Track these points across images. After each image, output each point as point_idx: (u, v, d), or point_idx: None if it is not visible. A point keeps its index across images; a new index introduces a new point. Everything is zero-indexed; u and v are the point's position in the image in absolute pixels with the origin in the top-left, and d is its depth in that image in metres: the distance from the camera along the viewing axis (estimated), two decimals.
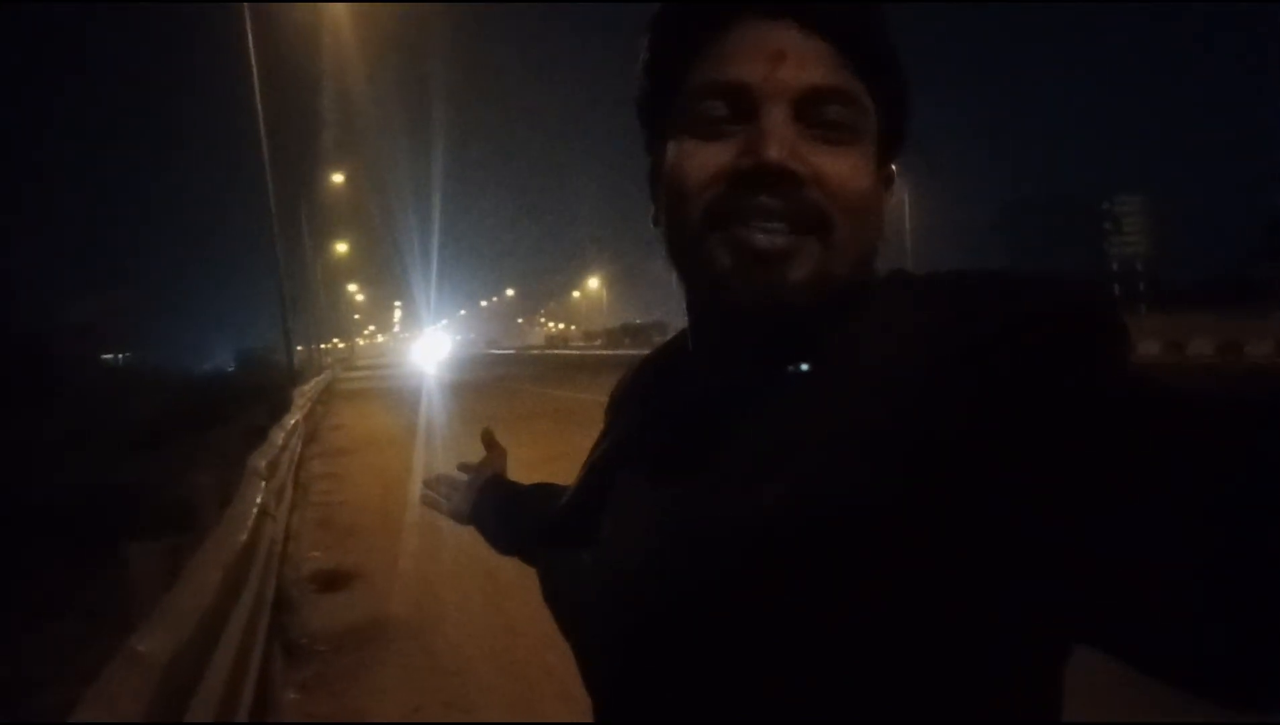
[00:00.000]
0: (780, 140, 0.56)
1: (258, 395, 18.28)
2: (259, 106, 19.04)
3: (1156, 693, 0.48)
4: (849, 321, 0.59)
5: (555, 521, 0.74)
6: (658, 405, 0.72)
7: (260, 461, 4.78)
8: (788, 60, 0.57)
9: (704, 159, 0.59)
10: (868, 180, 0.60)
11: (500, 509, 1.14)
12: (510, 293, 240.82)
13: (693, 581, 0.55)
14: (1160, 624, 0.41)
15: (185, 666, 1.98)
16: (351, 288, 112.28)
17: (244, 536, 3.00)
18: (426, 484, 1.28)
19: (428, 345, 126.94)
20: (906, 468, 0.49)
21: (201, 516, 3.99)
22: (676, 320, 0.70)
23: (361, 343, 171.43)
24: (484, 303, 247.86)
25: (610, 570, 0.64)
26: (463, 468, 1.26)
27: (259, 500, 3.68)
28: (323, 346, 49.26)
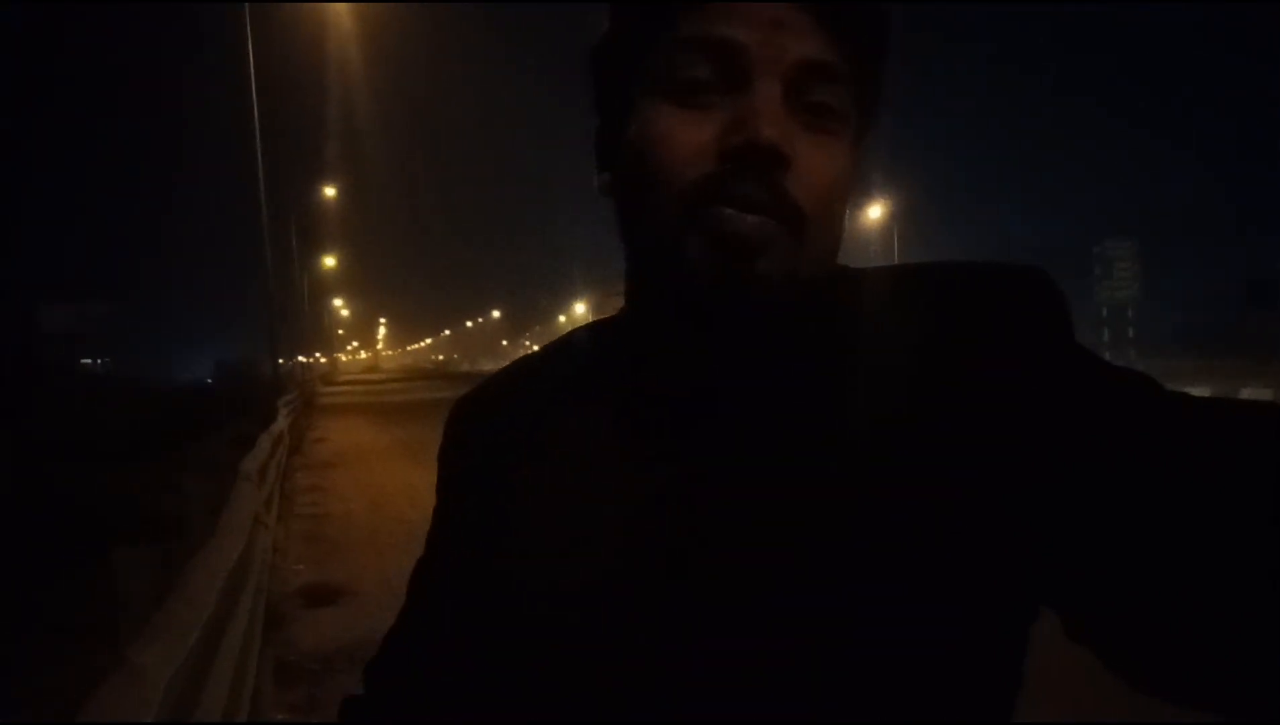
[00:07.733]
0: (774, 118, 0.52)
1: (242, 405, 18.07)
2: (255, 112, 18.97)
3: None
4: (818, 316, 0.57)
5: (494, 547, 0.64)
6: (599, 404, 0.63)
7: (252, 465, 4.63)
8: (785, 29, 0.53)
9: (684, 130, 0.54)
10: (844, 177, 0.57)
11: None
12: (496, 314, 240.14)
13: (689, 580, 0.54)
14: (1152, 620, 0.43)
15: (185, 681, 1.84)
16: (337, 302, 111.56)
17: (241, 544, 2.85)
18: None
19: None
20: (899, 461, 0.51)
21: (191, 524, 3.84)
22: None
23: (344, 358, 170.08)
24: (469, 323, 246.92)
25: (590, 578, 0.58)
26: None
27: (252, 507, 3.53)
28: (304, 360, 48.76)
